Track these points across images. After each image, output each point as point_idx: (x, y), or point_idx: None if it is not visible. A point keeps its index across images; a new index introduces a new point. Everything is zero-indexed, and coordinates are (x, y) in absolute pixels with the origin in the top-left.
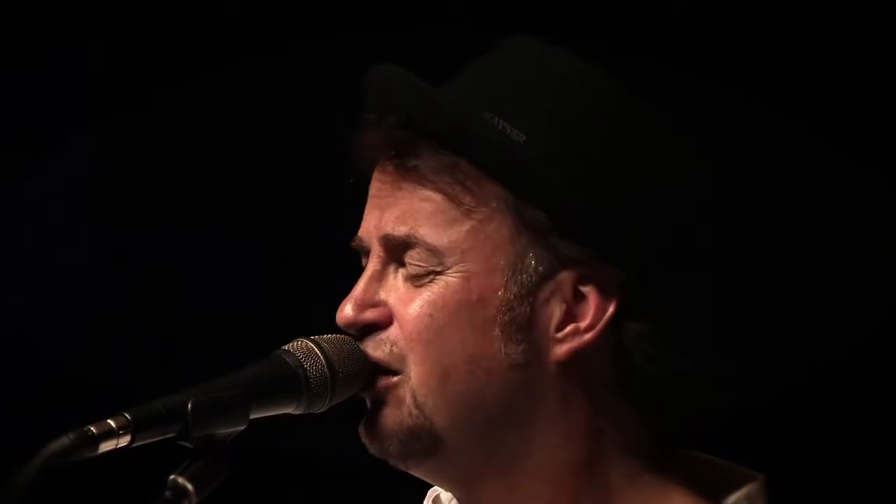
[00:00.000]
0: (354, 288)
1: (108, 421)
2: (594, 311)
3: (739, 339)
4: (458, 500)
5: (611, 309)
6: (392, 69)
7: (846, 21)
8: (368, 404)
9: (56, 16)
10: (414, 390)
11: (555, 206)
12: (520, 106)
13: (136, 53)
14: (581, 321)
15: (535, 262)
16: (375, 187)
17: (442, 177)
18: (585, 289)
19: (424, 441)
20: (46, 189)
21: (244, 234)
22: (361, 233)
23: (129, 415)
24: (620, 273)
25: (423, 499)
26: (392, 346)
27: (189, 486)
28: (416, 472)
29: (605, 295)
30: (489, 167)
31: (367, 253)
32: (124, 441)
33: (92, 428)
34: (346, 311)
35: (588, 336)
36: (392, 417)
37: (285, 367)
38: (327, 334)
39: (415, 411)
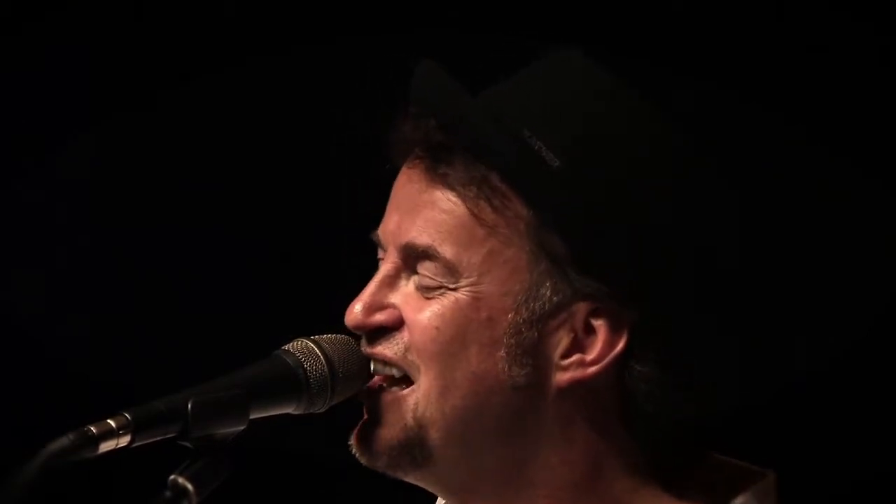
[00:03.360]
0: (364, 289)
1: (108, 421)
2: (601, 347)
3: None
4: None
5: (618, 347)
6: (438, 70)
7: (846, 21)
8: (365, 414)
9: (56, 16)
10: (416, 404)
11: (578, 238)
12: (557, 129)
13: (136, 53)
14: (587, 354)
15: (550, 292)
16: (401, 186)
17: (469, 189)
18: (596, 323)
19: (416, 456)
20: (46, 189)
21: (244, 234)
22: (381, 231)
23: (129, 415)
24: (632, 313)
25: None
26: (406, 350)
27: (189, 486)
28: (408, 480)
29: (614, 332)
30: (518, 186)
31: (383, 248)
32: (124, 441)
33: (92, 428)
34: (356, 311)
35: (592, 370)
36: (386, 433)
37: (285, 367)
38: (327, 334)
39: (411, 424)
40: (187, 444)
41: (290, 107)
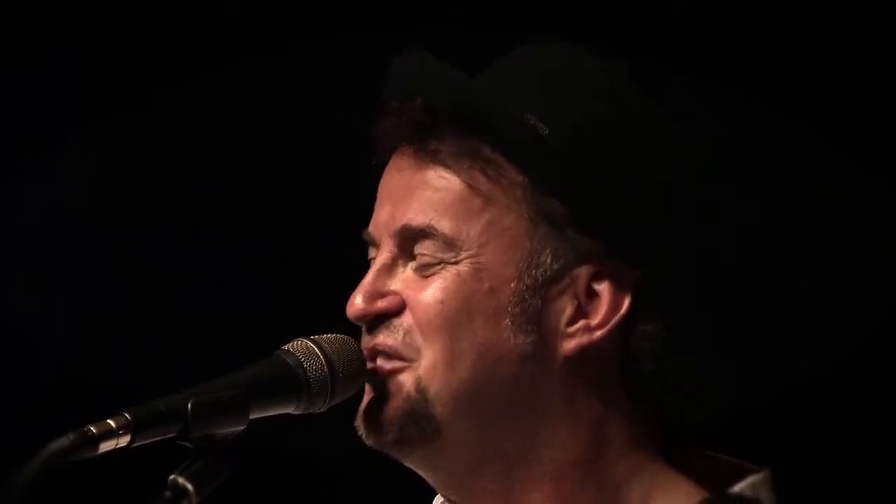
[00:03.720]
0: (363, 280)
1: (108, 421)
2: (606, 310)
3: (742, 340)
4: (453, 500)
5: (622, 309)
6: (421, 54)
7: (846, 21)
8: (367, 394)
9: (56, 16)
10: (418, 376)
11: (573, 197)
12: (546, 101)
13: (136, 53)
14: (592, 318)
15: (551, 258)
16: (390, 177)
17: (462, 162)
18: (599, 286)
19: (424, 427)
20: (46, 189)
21: (244, 234)
22: (372, 226)
23: (129, 415)
24: (634, 272)
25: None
26: (406, 334)
27: (189, 486)
28: (413, 462)
29: (617, 294)
30: (511, 152)
31: (375, 245)
32: (124, 441)
33: (92, 428)
34: (357, 301)
35: (598, 334)
36: (391, 405)
37: (285, 367)
38: (327, 334)
39: (415, 395)
40: (187, 444)
41: (290, 107)
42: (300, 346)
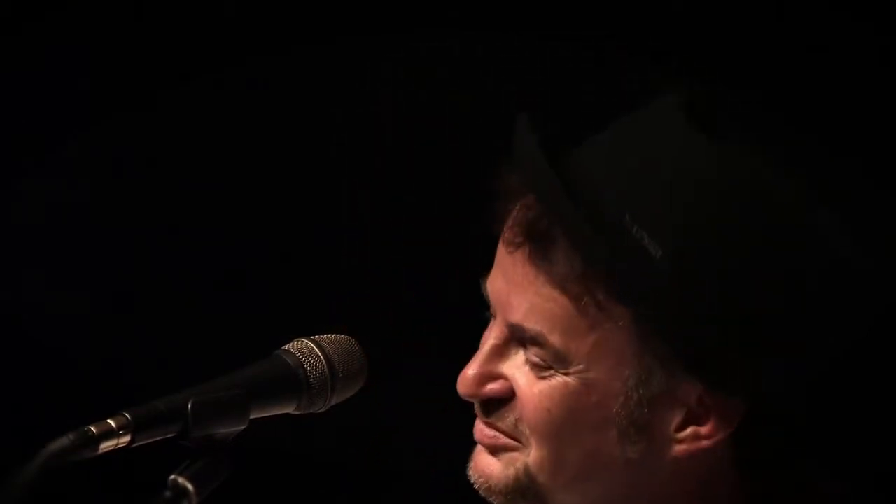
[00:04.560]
0: (475, 357)
1: (108, 421)
2: (715, 422)
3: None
4: None
5: (733, 424)
6: (538, 155)
7: (846, 21)
8: (478, 442)
9: (56, 16)
10: (527, 464)
11: (680, 342)
12: (659, 213)
13: (136, 53)
14: (703, 427)
15: (660, 377)
16: (505, 253)
17: (571, 285)
18: (709, 401)
19: (529, 499)
20: (46, 189)
21: (244, 234)
22: (490, 287)
23: (129, 415)
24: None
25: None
26: (517, 422)
27: (189, 486)
28: None
29: (728, 410)
30: (619, 287)
31: (489, 305)
32: (124, 441)
33: (92, 428)
34: (469, 382)
35: (707, 442)
36: (505, 472)
37: (285, 367)
38: (327, 334)
39: (524, 479)
40: (187, 444)
41: (290, 107)
42: (300, 346)
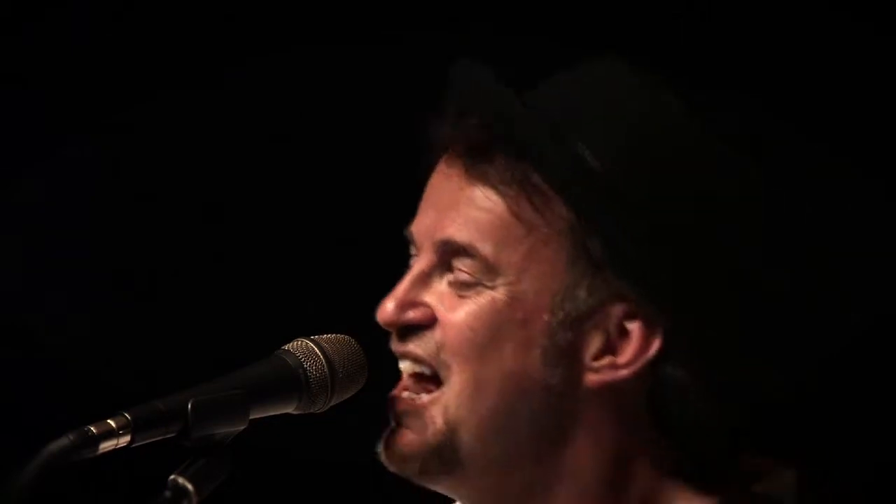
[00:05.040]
0: (397, 286)
1: (108, 421)
2: (634, 350)
3: (771, 392)
4: None
5: (651, 351)
6: (480, 69)
7: (846, 21)
8: (392, 421)
9: (56, 16)
10: (446, 405)
11: (616, 241)
12: (601, 134)
13: (135, 53)
14: (620, 356)
15: (586, 293)
16: (437, 183)
17: (510, 188)
18: (630, 325)
19: (448, 459)
20: (46, 189)
21: (244, 234)
22: (415, 228)
23: (129, 415)
24: (666, 318)
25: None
26: (438, 349)
27: (189, 486)
28: (437, 489)
29: (647, 336)
30: (559, 187)
31: (415, 246)
32: (124, 441)
33: (92, 428)
34: (388, 308)
35: (623, 372)
36: (417, 438)
37: (285, 367)
38: (327, 334)
39: (442, 428)
40: (187, 444)
41: (290, 107)
42: (300, 346)
